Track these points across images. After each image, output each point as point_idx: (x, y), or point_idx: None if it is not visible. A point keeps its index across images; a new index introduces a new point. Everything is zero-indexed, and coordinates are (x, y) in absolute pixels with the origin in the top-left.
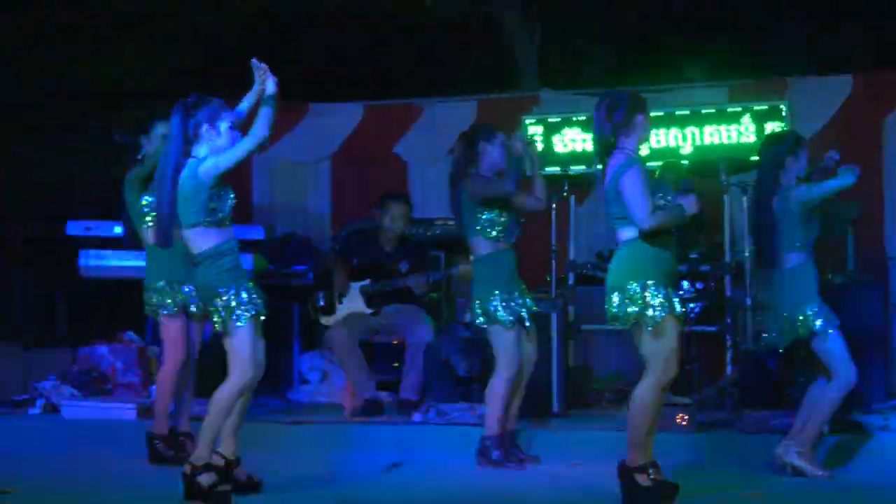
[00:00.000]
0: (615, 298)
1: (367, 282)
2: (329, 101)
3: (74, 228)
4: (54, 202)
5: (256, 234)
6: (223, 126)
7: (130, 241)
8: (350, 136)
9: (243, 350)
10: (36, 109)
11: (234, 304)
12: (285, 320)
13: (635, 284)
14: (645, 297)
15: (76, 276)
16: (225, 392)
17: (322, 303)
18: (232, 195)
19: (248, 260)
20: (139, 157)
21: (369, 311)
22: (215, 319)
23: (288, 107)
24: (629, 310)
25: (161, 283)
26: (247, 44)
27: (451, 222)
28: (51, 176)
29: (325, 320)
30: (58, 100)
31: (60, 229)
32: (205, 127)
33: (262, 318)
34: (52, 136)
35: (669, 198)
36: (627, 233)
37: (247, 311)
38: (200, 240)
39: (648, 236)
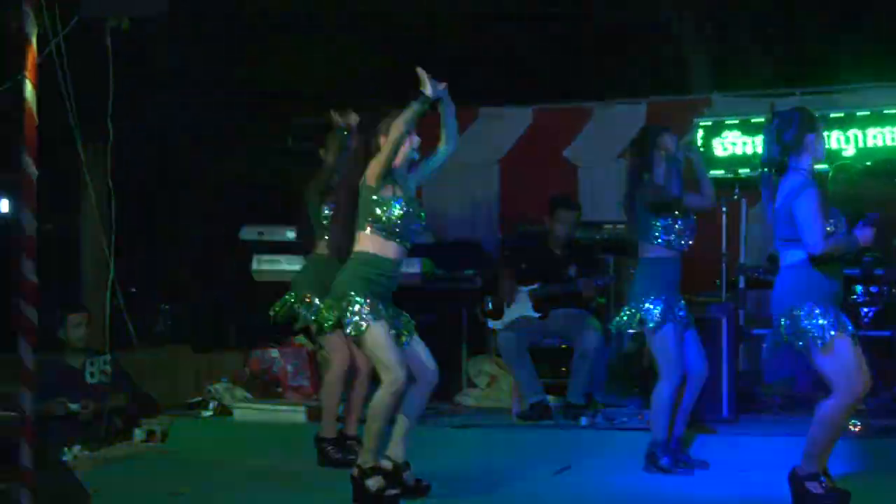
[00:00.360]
0: (783, 323)
1: (535, 286)
2: (498, 105)
3: (248, 233)
4: (229, 206)
5: (426, 238)
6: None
7: (307, 245)
8: (519, 139)
9: (384, 353)
10: (220, 116)
11: (365, 311)
12: (454, 324)
13: (801, 310)
14: (813, 320)
15: (249, 279)
16: (379, 396)
17: (490, 307)
18: (404, 208)
19: (416, 264)
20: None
21: (537, 315)
22: (345, 318)
23: (457, 111)
24: (798, 335)
25: (317, 300)
26: (426, 44)
27: (620, 226)
28: (228, 181)
29: (493, 324)
30: (237, 107)
31: (234, 233)
32: (382, 138)
33: (394, 331)
34: (232, 141)
35: (834, 221)
36: (793, 256)
37: (380, 317)
38: (365, 241)
39: (817, 261)
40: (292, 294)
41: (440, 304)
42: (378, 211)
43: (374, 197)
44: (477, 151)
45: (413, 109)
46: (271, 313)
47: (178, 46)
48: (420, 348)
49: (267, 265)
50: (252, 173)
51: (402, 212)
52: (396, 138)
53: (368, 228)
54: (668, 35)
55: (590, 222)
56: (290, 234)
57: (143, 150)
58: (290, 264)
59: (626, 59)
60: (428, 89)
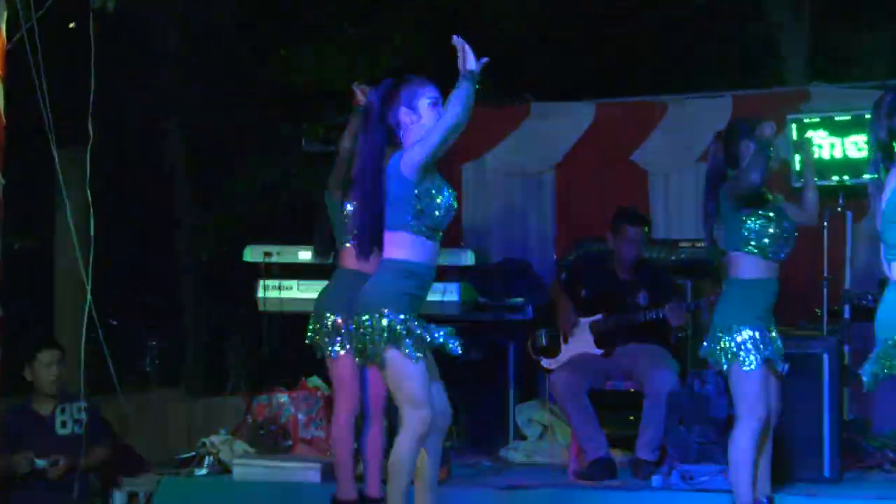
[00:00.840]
0: (891, 351)
1: (598, 316)
2: (554, 101)
3: (253, 254)
4: (230, 223)
5: (465, 259)
6: (423, 103)
7: (324, 254)
8: (579, 141)
9: (414, 386)
10: (221, 115)
11: (401, 332)
12: (500, 363)
13: None
14: None
15: (253, 309)
16: (403, 444)
17: (544, 342)
18: (447, 198)
19: (453, 290)
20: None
21: (600, 352)
22: (357, 345)
23: (505, 107)
24: None
25: (335, 317)
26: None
27: (700, 244)
28: (231, 191)
29: (546, 363)
30: (241, 106)
31: (237, 254)
32: (403, 110)
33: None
34: (234, 141)
35: None
36: None
37: (417, 342)
38: (398, 245)
39: None
40: (314, 320)
41: (482, 340)
42: (419, 206)
43: (416, 191)
44: (528, 155)
45: (465, 89)
46: (308, 340)
47: (176, 29)
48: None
49: (275, 293)
50: (259, 183)
51: (448, 203)
52: (451, 124)
53: (405, 231)
54: (758, 15)
55: (663, 240)
56: (304, 256)
57: (129, 155)
58: (304, 291)
59: (708, 45)
60: (471, 62)
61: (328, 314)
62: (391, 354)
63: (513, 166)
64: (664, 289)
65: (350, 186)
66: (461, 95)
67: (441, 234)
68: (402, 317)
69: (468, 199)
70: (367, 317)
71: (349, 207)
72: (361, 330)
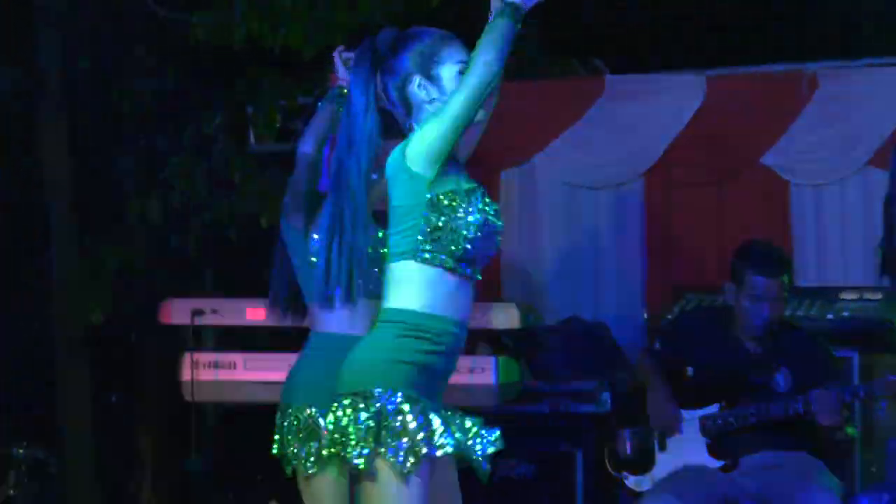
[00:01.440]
0: None
1: (713, 409)
2: (641, 72)
3: (175, 313)
4: (135, 264)
5: (505, 318)
6: (447, 71)
7: (283, 312)
8: (681, 134)
9: None
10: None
11: (393, 425)
12: (560, 481)
13: None
14: None
15: (176, 400)
16: None
17: (629, 449)
18: (483, 212)
19: (488, 368)
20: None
21: (717, 464)
22: (331, 448)
23: (562, 85)
24: None
25: (311, 409)
26: None
27: (873, 294)
28: (134, 216)
29: (633, 482)
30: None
31: (148, 315)
32: (415, 80)
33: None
34: (137, 135)
35: None
36: None
37: (417, 446)
38: (402, 286)
39: None
40: (282, 413)
41: (533, 445)
42: (436, 219)
43: (431, 195)
44: (601, 156)
45: (502, 28)
46: (275, 452)
47: None
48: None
49: (211, 374)
50: (180, 201)
51: (483, 222)
52: (481, 81)
53: (415, 259)
54: None
55: (814, 289)
56: (255, 315)
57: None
58: (257, 370)
59: None
60: None
61: (300, 405)
62: (374, 465)
63: (577, 174)
64: (815, 366)
65: (317, 209)
66: (495, 38)
67: (477, 271)
68: (398, 398)
69: (511, 226)
70: (347, 401)
71: (317, 241)
72: (340, 422)
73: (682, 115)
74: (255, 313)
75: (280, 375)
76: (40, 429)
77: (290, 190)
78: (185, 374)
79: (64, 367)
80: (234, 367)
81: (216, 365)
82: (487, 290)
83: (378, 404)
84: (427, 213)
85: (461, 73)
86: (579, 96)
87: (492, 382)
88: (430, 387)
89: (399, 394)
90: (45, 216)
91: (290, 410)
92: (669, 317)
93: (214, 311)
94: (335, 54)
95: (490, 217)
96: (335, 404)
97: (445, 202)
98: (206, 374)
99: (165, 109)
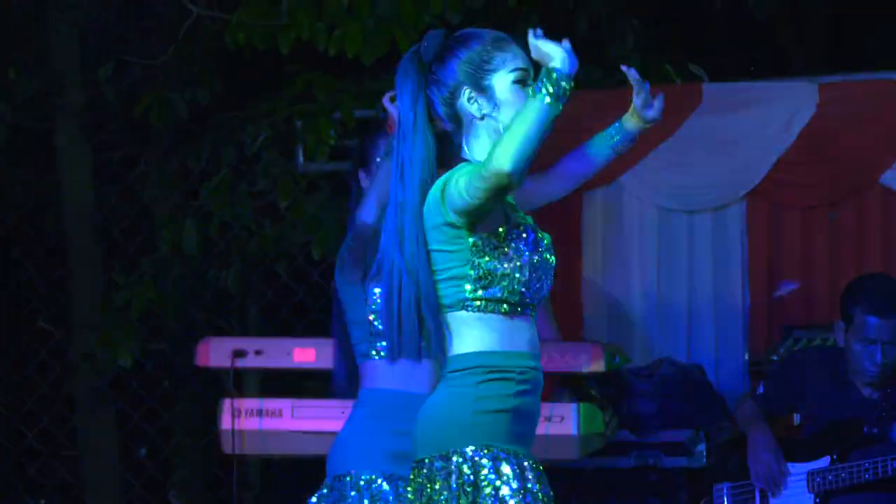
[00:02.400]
0: None
1: (823, 462)
2: (744, 80)
3: (214, 354)
4: (165, 301)
5: (587, 361)
6: (502, 80)
7: (341, 376)
8: (790, 149)
9: None
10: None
11: (490, 490)
12: None
13: None
14: None
15: (213, 453)
16: None
17: None
18: (532, 246)
19: (568, 416)
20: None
21: None
22: None
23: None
24: None
25: (371, 475)
26: None
27: None
28: (165, 246)
29: None
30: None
31: (184, 356)
32: (466, 92)
33: None
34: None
35: None
36: None
37: None
38: (463, 330)
39: None
40: (329, 481)
41: (621, 502)
42: (488, 265)
43: (475, 238)
44: (697, 175)
45: (539, 101)
46: None
47: None
48: None
49: (255, 422)
50: (218, 228)
51: (538, 258)
52: (486, 186)
53: (466, 310)
54: None
55: None
56: (304, 357)
57: None
58: (307, 419)
59: None
60: (559, 57)
61: (354, 471)
62: None
63: (670, 195)
64: None
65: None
66: (533, 110)
67: (534, 308)
68: (495, 455)
69: (594, 255)
70: (434, 466)
71: (377, 294)
72: (424, 490)
73: (790, 128)
74: (304, 354)
75: (333, 425)
76: (61, 485)
77: (348, 247)
78: (225, 424)
79: (87, 416)
80: (281, 416)
81: (260, 413)
82: (567, 328)
83: (468, 463)
84: (471, 258)
85: (517, 82)
86: (673, 107)
87: (572, 433)
88: (525, 434)
89: (495, 450)
90: (64, 245)
91: (345, 477)
92: (775, 358)
93: (258, 353)
94: (385, 100)
95: (544, 255)
96: (416, 470)
97: (491, 246)
98: (248, 424)
99: (201, 123)
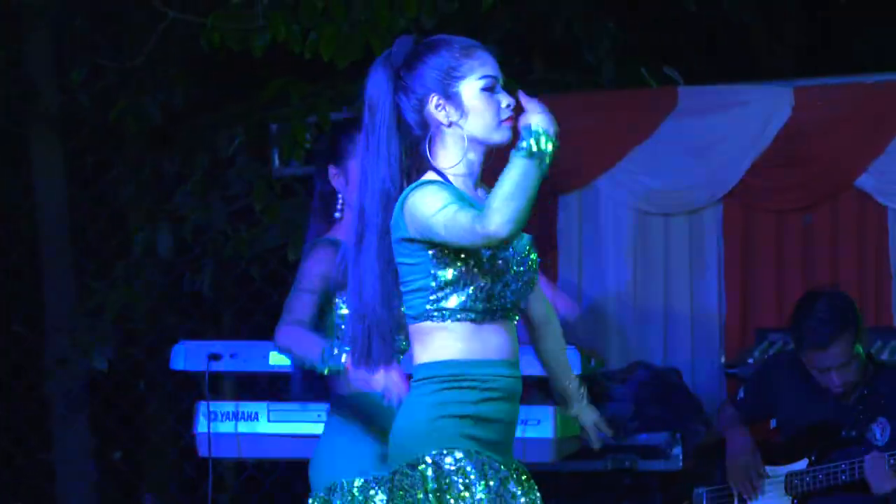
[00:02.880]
0: None
1: (800, 465)
2: (720, 82)
3: (189, 358)
4: (140, 302)
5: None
6: (469, 87)
7: (298, 378)
8: (765, 152)
9: None
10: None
11: (436, 475)
12: None
13: None
14: None
15: (188, 456)
16: None
17: None
18: (507, 249)
19: (545, 420)
20: (337, 211)
21: None
22: None
23: (628, 97)
24: None
25: (359, 483)
26: None
27: None
28: (141, 247)
29: None
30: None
31: (158, 361)
32: (434, 100)
33: None
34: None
35: None
36: None
37: None
38: (427, 340)
39: None
40: (324, 496)
41: None
42: (451, 274)
43: (435, 250)
44: (674, 179)
45: (518, 170)
46: None
47: None
48: None
49: (229, 426)
50: (192, 231)
51: (506, 263)
52: (457, 236)
53: (431, 320)
54: None
55: None
56: (277, 358)
57: None
58: (283, 422)
59: None
60: (536, 116)
61: (345, 480)
62: None
63: (646, 198)
64: None
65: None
66: (516, 168)
67: (512, 313)
68: (457, 458)
69: (569, 258)
70: (396, 473)
71: (343, 308)
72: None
73: (766, 131)
74: (280, 358)
75: (308, 428)
76: (36, 488)
77: (312, 236)
78: (200, 427)
79: (62, 420)
80: (256, 419)
81: (235, 416)
82: None
83: (432, 468)
84: (433, 270)
85: (486, 90)
86: (648, 110)
87: (548, 436)
88: (498, 441)
89: (456, 452)
90: (37, 249)
91: (342, 488)
92: (750, 361)
93: (233, 356)
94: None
95: (510, 262)
96: (388, 483)
97: (451, 256)
98: (223, 427)
99: (176, 127)
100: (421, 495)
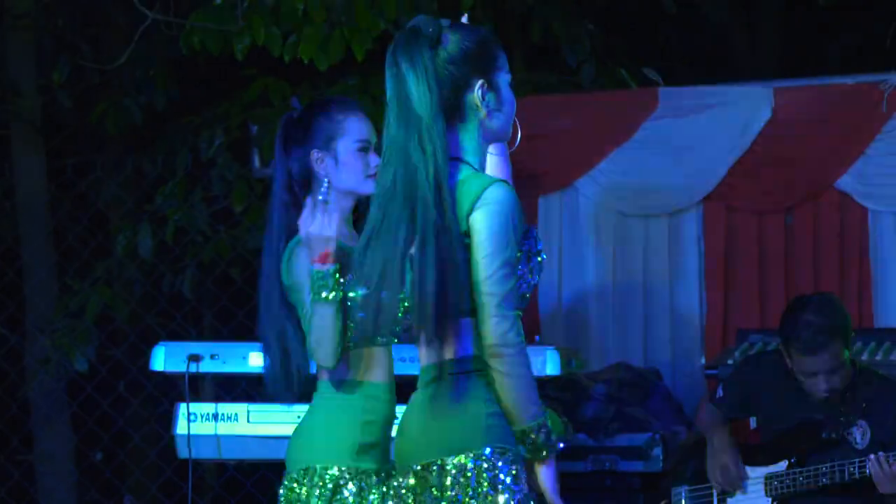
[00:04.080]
0: None
1: (780, 466)
2: (701, 83)
3: (171, 359)
4: (120, 303)
5: (543, 365)
6: (503, 81)
7: (286, 378)
8: (745, 153)
9: None
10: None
11: (494, 486)
12: None
13: None
14: None
15: (168, 457)
16: None
17: None
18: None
19: None
20: (323, 195)
21: None
22: None
23: (609, 98)
24: None
25: (335, 468)
26: None
27: None
28: (122, 247)
29: None
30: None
31: (138, 362)
32: (478, 85)
33: None
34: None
35: None
36: None
37: None
38: (469, 340)
39: None
40: (292, 476)
41: None
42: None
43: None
44: (654, 180)
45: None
46: None
47: None
48: None
49: (209, 427)
50: (173, 230)
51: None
52: None
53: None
54: None
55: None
56: (257, 359)
57: None
58: (263, 423)
59: None
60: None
61: (318, 465)
62: None
63: (626, 200)
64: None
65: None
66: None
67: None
68: (511, 457)
69: (550, 258)
70: (457, 460)
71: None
72: (449, 489)
73: (746, 132)
74: (260, 359)
75: (289, 430)
76: (17, 489)
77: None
78: (181, 428)
79: (42, 421)
80: (236, 420)
81: (216, 417)
82: (524, 332)
83: (487, 459)
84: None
85: (510, 85)
86: (629, 111)
87: None
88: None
89: (510, 453)
90: (18, 250)
91: (308, 473)
92: (730, 361)
93: (213, 357)
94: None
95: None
96: (439, 475)
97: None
98: (203, 428)
99: (156, 128)
100: (480, 481)
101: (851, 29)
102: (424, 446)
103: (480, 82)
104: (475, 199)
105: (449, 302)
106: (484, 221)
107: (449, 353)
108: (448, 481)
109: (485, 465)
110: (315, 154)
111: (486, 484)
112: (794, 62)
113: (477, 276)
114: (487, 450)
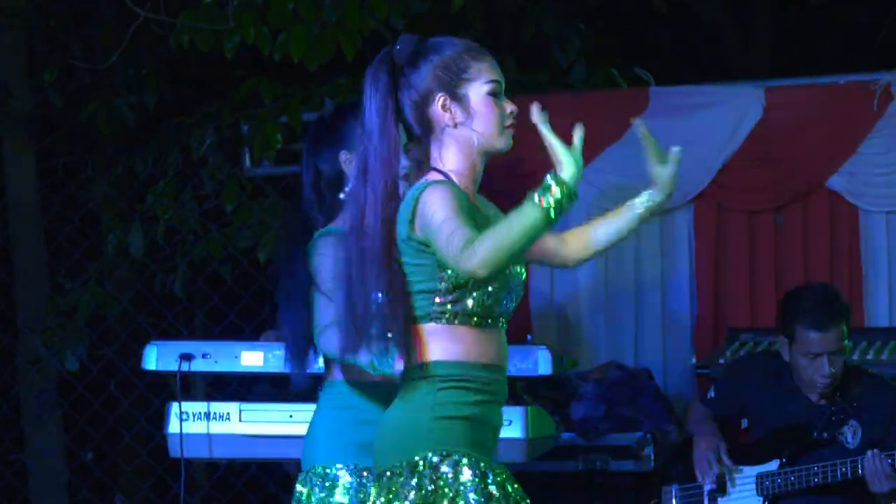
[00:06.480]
0: None
1: (772, 465)
2: (691, 83)
3: (160, 358)
4: (111, 303)
5: (535, 365)
6: (476, 91)
7: (299, 374)
8: (736, 153)
9: None
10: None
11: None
12: None
13: None
14: None
15: (159, 457)
16: None
17: None
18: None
19: (516, 420)
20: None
21: None
22: None
23: (599, 98)
24: None
25: (339, 468)
26: None
27: None
28: (113, 247)
29: None
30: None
31: (130, 361)
32: (440, 99)
33: None
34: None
35: None
36: None
37: None
38: (430, 340)
39: None
40: (304, 478)
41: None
42: (458, 279)
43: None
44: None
45: (531, 214)
46: None
47: None
48: None
49: (201, 426)
50: (164, 231)
51: (507, 270)
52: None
53: (436, 322)
54: None
55: (887, 329)
56: (252, 360)
57: None
58: (256, 422)
59: None
60: (569, 170)
61: (321, 466)
62: None
63: (617, 199)
64: (890, 418)
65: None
66: (529, 219)
67: (505, 320)
68: (446, 462)
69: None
70: (389, 471)
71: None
72: (384, 497)
73: (737, 132)
74: (252, 358)
75: (280, 429)
76: (8, 489)
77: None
78: (172, 427)
79: (33, 420)
80: (228, 419)
81: (207, 416)
82: (515, 331)
83: (430, 473)
84: (439, 272)
85: (490, 94)
86: (619, 111)
87: (520, 436)
88: (486, 443)
89: (455, 455)
90: (9, 250)
91: (313, 473)
92: (721, 361)
93: (205, 356)
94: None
95: (514, 268)
96: (379, 481)
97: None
98: (195, 427)
99: (147, 128)
100: (413, 497)
101: (843, 28)
102: (379, 451)
103: (440, 97)
104: (412, 204)
105: (394, 311)
106: (422, 217)
107: (409, 360)
108: (395, 486)
109: (427, 470)
110: (344, 156)
111: (433, 488)
112: (785, 62)
113: (440, 256)
114: (430, 454)
